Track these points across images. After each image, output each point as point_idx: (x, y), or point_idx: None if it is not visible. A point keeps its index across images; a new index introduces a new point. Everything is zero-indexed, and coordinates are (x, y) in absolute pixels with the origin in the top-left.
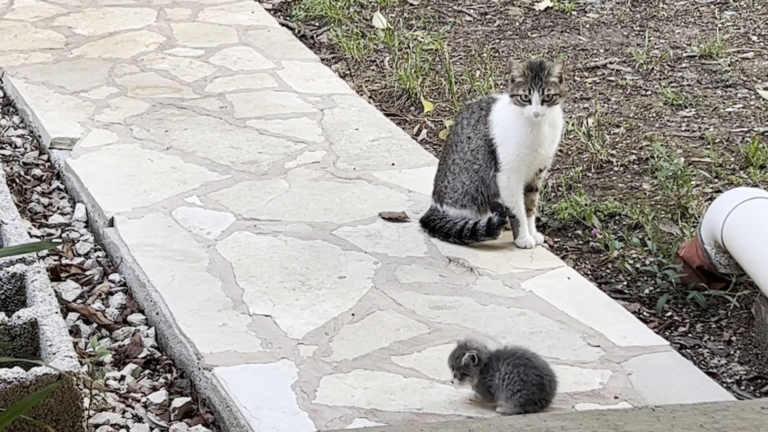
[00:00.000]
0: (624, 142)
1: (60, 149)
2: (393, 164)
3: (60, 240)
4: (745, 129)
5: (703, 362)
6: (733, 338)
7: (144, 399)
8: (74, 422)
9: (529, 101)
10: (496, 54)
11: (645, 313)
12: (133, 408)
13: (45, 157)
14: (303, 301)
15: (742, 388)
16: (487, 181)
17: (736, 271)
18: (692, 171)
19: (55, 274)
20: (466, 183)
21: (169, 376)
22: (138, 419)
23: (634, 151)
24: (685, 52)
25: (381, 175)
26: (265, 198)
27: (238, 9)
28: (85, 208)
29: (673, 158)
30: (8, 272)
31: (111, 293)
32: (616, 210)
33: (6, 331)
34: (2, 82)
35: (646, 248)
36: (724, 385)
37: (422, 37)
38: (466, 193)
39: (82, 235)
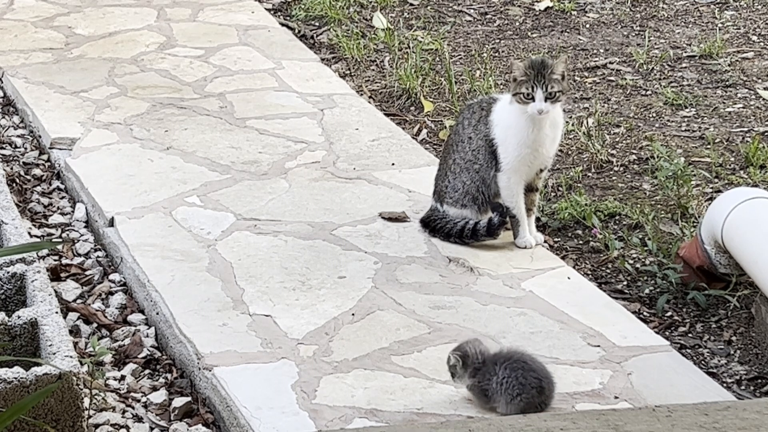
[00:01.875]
0: (624, 142)
1: (60, 149)
2: (393, 164)
3: (60, 240)
4: (745, 129)
5: (703, 362)
6: (733, 338)
7: (144, 399)
8: (74, 422)
9: (533, 99)
10: (496, 54)
11: (645, 313)
12: (133, 408)
13: (45, 157)
14: (303, 301)
15: (742, 388)
16: (487, 181)
17: (736, 271)
18: (692, 171)
19: (55, 274)
20: (466, 183)
21: (169, 376)
22: (138, 419)
23: (634, 151)
24: (685, 52)
25: (381, 175)
26: (265, 198)
27: (238, 9)
28: (85, 208)
29: (673, 158)
30: (8, 272)
31: (111, 293)
32: (616, 210)
33: (6, 331)
34: (2, 82)
35: (646, 248)
36: (724, 385)
37: (422, 37)
38: (467, 193)
39: (82, 235)
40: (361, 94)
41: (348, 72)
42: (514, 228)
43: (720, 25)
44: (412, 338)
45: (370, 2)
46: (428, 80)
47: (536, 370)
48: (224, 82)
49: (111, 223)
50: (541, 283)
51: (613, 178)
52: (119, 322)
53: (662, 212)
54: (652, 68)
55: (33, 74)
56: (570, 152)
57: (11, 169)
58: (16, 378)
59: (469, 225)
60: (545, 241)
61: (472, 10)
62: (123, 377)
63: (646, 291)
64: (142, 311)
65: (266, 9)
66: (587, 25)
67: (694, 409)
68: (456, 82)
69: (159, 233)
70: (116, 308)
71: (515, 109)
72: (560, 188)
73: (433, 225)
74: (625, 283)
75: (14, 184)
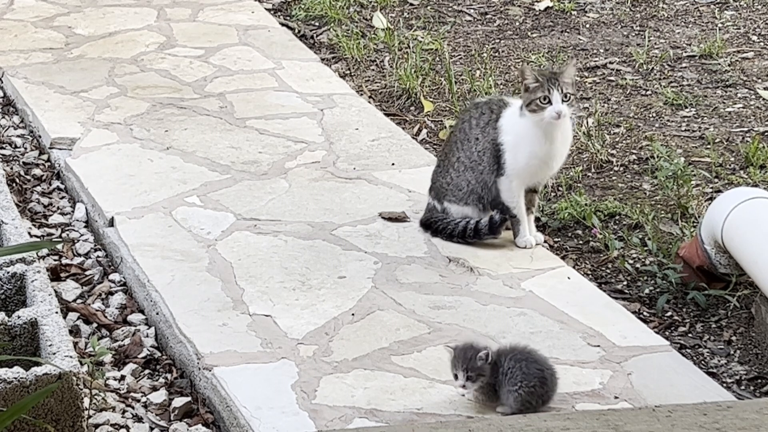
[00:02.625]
0: (624, 142)
1: (60, 149)
2: (393, 164)
3: (60, 240)
4: (745, 129)
5: (703, 362)
6: (733, 338)
7: (144, 399)
8: (74, 422)
9: (549, 102)
10: (496, 54)
11: (645, 313)
12: (133, 408)
13: (45, 157)
14: (303, 301)
15: (742, 388)
16: (488, 184)
17: (736, 271)
18: (692, 171)
19: (55, 274)
20: (471, 182)
21: (169, 376)
22: (138, 419)
23: (634, 151)
24: (685, 52)
25: (381, 175)
26: (265, 198)
27: (238, 9)
28: (85, 208)
29: (673, 158)
30: (8, 272)
31: (111, 293)
32: (616, 210)
33: (6, 331)
34: (2, 82)
35: (646, 248)
36: (724, 385)
37: (422, 37)
38: (472, 191)
39: (82, 235)
40: (361, 94)
41: (348, 72)
42: (515, 228)
43: (720, 25)
44: (412, 338)
45: (370, 2)
46: (428, 80)
47: (539, 361)
48: (224, 82)
49: (111, 223)
50: (541, 283)
51: (613, 178)
52: (119, 322)
53: (662, 212)
54: (652, 68)
55: (33, 74)
56: (570, 152)
57: (11, 169)
58: (16, 378)
59: (471, 225)
60: (545, 241)
61: (472, 10)
62: (123, 377)
63: (646, 291)
64: (142, 311)
65: (266, 9)
66: (587, 25)
67: (694, 409)
68: (456, 82)
69: (159, 233)
70: (116, 308)
71: (528, 120)
72: (560, 188)
73: (434, 226)
74: (625, 283)
75: (14, 184)
